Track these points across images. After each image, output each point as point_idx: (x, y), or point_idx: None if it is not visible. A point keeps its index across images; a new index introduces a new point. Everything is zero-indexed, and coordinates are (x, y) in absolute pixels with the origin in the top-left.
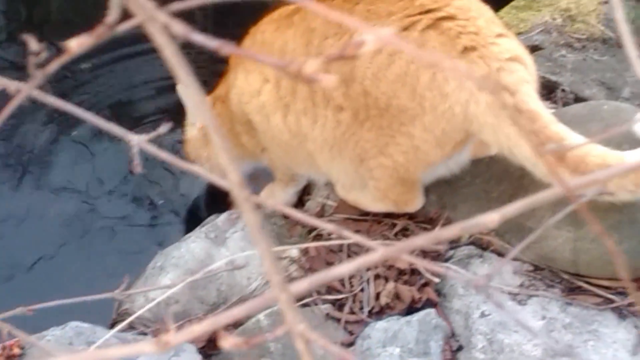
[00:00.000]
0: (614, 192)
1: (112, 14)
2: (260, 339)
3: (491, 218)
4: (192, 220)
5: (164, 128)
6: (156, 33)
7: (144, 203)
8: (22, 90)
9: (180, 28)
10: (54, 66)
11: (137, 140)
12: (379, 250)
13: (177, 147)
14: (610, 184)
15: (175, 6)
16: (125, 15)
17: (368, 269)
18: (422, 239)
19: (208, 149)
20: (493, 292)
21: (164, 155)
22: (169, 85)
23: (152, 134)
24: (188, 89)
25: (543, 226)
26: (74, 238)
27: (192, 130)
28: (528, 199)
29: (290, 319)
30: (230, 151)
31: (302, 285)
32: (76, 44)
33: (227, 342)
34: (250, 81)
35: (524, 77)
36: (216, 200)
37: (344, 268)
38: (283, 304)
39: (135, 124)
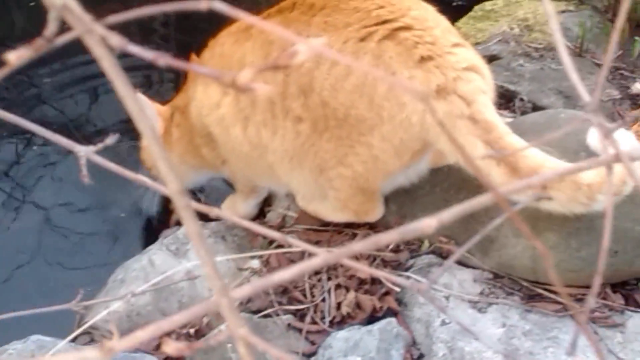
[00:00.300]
0: (554, 197)
1: (50, 27)
2: (201, 344)
3: (428, 223)
4: (153, 232)
5: (111, 140)
6: (94, 45)
7: (104, 216)
8: None
9: (117, 40)
10: None
11: (85, 152)
12: (321, 255)
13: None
14: (562, 196)
15: (112, 19)
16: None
17: (329, 279)
18: (361, 245)
19: None
20: (434, 295)
21: (111, 166)
22: None
23: (99, 145)
24: (126, 100)
25: (483, 231)
26: (34, 252)
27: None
28: (463, 204)
29: (232, 324)
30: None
31: (245, 290)
32: (15, 57)
33: (169, 347)
34: (210, 94)
35: (481, 87)
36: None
37: (285, 273)
38: (224, 308)
39: (98, 135)
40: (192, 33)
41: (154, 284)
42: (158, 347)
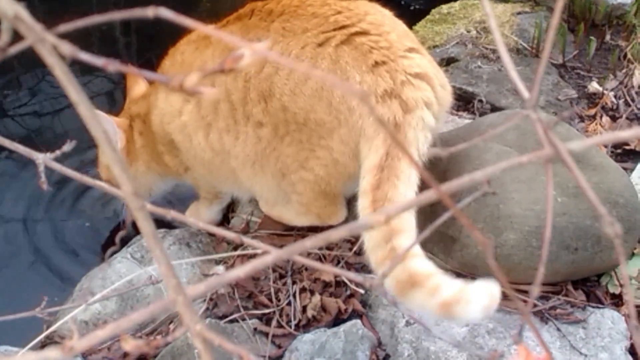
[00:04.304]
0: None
1: (4, 37)
2: (161, 341)
3: (377, 218)
4: (108, 244)
5: (68, 146)
6: (46, 54)
7: (68, 227)
8: None
9: (67, 48)
10: None
11: (43, 158)
12: (273, 252)
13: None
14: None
15: (63, 28)
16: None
17: (294, 283)
18: (311, 241)
19: (133, 168)
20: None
21: (70, 172)
22: None
23: (56, 152)
24: (78, 106)
25: (432, 226)
26: None
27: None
28: (409, 200)
29: (188, 320)
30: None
31: (200, 288)
32: None
33: (129, 345)
34: (171, 102)
35: (426, 97)
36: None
37: (239, 271)
38: (180, 305)
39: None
40: (153, 41)
41: (115, 289)
42: (125, 355)
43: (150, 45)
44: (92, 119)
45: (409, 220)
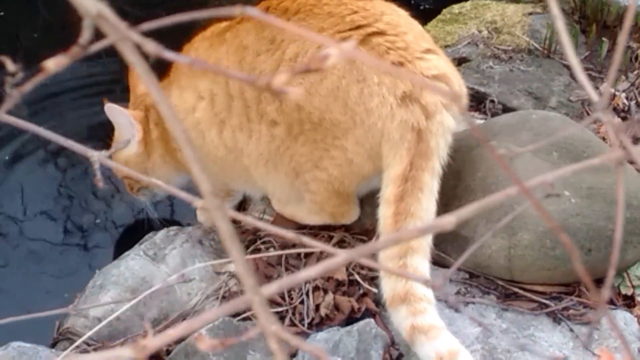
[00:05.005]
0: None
1: (85, 35)
2: (234, 340)
3: (448, 220)
4: (123, 241)
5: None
6: (128, 52)
7: (73, 225)
8: None
9: (152, 46)
10: (29, 86)
11: (98, 156)
12: (342, 255)
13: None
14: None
15: (146, 26)
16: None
17: (307, 281)
18: (384, 242)
19: (150, 161)
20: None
21: (126, 170)
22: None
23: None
24: (160, 105)
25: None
26: (3, 261)
27: (131, 147)
28: (481, 201)
29: (264, 320)
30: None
31: (272, 288)
32: (53, 64)
33: (204, 344)
34: (185, 98)
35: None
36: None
37: (310, 271)
38: (256, 306)
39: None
40: (168, 37)
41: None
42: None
43: (163, 41)
44: (172, 118)
45: (426, 240)
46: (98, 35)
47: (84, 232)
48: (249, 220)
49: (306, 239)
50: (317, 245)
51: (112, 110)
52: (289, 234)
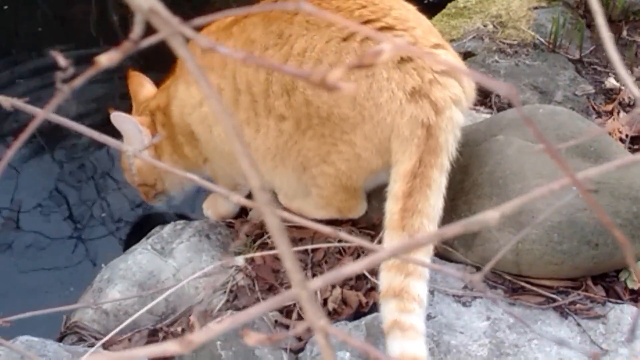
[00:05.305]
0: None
1: (136, 30)
2: (281, 336)
3: (492, 215)
4: (129, 235)
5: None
6: (178, 47)
7: (77, 219)
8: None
9: (205, 41)
10: (80, 81)
11: (132, 151)
12: (385, 250)
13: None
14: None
15: (198, 21)
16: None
17: (314, 275)
18: (420, 237)
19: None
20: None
21: (161, 165)
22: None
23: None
24: (211, 101)
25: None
26: (8, 255)
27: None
28: (525, 196)
29: (311, 315)
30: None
31: (318, 282)
32: (106, 59)
33: (251, 339)
34: (192, 93)
35: (455, 95)
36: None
37: (355, 266)
38: (304, 300)
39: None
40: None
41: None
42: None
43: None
44: (222, 113)
45: (427, 249)
46: (98, 35)
47: (88, 226)
48: (295, 218)
49: (343, 234)
50: (354, 240)
51: (119, 118)
52: (327, 229)
